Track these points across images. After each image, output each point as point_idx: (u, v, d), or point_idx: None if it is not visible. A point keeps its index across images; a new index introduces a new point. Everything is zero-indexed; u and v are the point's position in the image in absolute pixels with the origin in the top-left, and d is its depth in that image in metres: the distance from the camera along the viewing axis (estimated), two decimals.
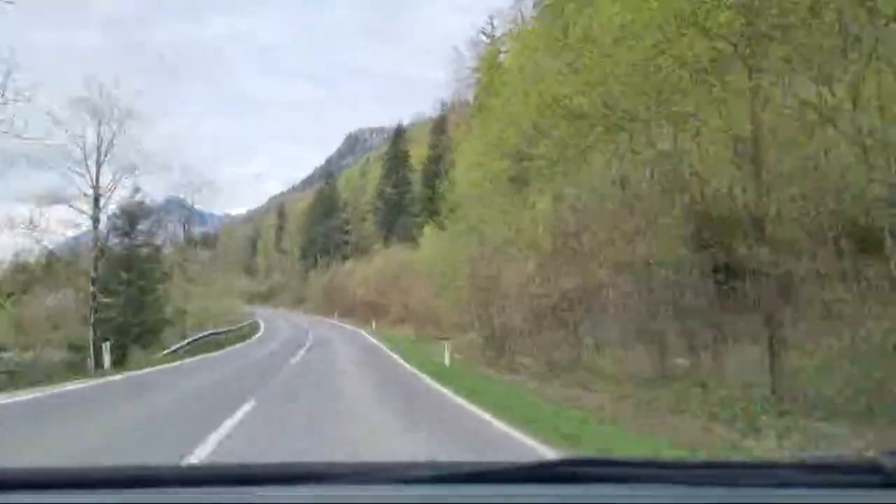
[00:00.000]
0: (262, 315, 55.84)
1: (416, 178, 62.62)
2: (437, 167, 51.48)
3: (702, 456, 6.16)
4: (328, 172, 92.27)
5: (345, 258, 70.85)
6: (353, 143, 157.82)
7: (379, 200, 63.64)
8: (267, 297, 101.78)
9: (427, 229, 43.90)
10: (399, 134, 62.75)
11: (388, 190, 62.45)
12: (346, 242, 74.15)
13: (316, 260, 78.26)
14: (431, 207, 49.98)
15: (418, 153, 59.54)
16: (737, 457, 6.64)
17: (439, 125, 53.46)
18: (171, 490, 1.18)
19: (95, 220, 25.90)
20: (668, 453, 6.55)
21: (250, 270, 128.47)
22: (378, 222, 64.14)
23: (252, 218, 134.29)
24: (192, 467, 1.95)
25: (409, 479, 1.21)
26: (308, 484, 1.19)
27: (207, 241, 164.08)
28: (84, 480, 1.19)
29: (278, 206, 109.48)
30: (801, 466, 1.37)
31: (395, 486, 1.20)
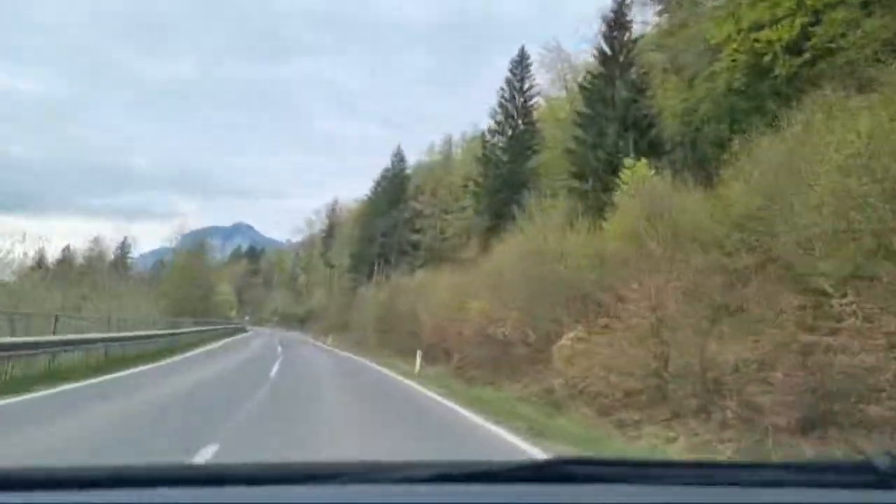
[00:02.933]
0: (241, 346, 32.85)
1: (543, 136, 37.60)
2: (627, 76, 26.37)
3: (696, 457, 6.65)
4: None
5: (414, 268, 46.06)
6: None
7: (481, 166, 38.56)
8: (303, 321, 78.00)
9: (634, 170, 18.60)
10: (523, 63, 37.86)
11: (498, 152, 37.41)
12: (417, 246, 49.27)
13: (372, 270, 53.73)
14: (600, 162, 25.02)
15: None
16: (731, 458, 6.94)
17: (616, 23, 28.04)
18: (171, 490, 1.15)
19: None
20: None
21: (294, 290, 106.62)
22: (476, 208, 39.03)
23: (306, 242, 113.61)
24: (193, 467, 1.59)
25: (409, 478, 1.21)
26: (309, 484, 1.18)
27: (253, 258, 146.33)
28: (84, 480, 1.16)
29: (329, 209, 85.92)
30: (795, 467, 1.40)
31: (395, 485, 1.20)
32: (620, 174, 18.35)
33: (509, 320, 16.72)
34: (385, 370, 21.93)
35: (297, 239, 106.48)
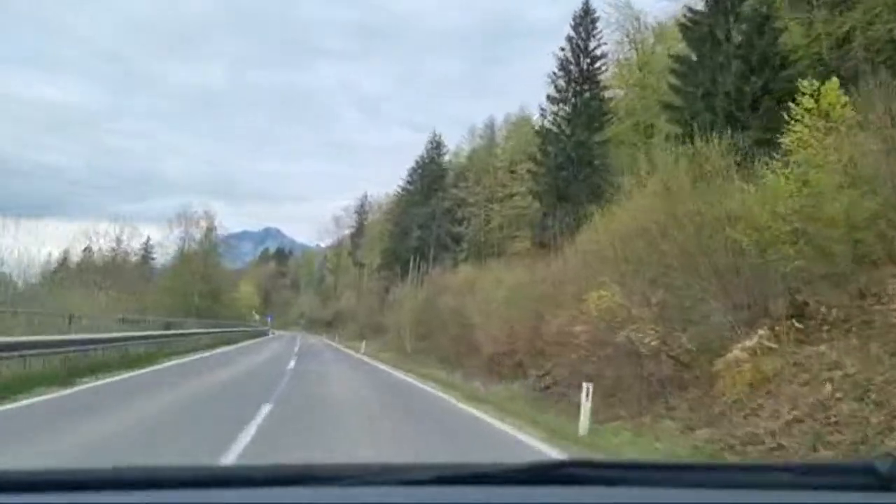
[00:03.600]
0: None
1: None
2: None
3: (698, 459, 5.95)
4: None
5: (456, 262, 40.35)
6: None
7: (539, 139, 32.59)
8: (331, 324, 72.79)
9: None
10: (588, 19, 31.84)
11: (560, 123, 31.44)
12: (459, 238, 43.55)
13: (407, 268, 48.16)
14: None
15: None
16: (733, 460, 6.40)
17: None
18: (172, 492, 1.14)
19: None
20: None
21: (321, 292, 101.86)
22: (534, 190, 33.14)
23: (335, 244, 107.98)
24: (194, 469, 1.32)
25: (410, 480, 1.21)
26: (311, 485, 1.18)
27: (281, 260, 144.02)
28: (82, 482, 1.15)
29: (358, 204, 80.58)
30: (797, 469, 1.38)
31: (397, 487, 1.20)
32: (797, 105, 12.28)
33: (646, 321, 10.79)
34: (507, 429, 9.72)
35: (325, 243, 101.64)
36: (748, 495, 1.23)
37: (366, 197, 78.52)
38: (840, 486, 1.24)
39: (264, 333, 53.22)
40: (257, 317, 69.63)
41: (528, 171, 33.85)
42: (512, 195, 42.04)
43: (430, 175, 48.90)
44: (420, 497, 1.15)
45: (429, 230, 45.14)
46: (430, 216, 45.05)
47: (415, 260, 48.41)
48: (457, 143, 54.40)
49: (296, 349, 33.00)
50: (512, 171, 43.87)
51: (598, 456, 6.66)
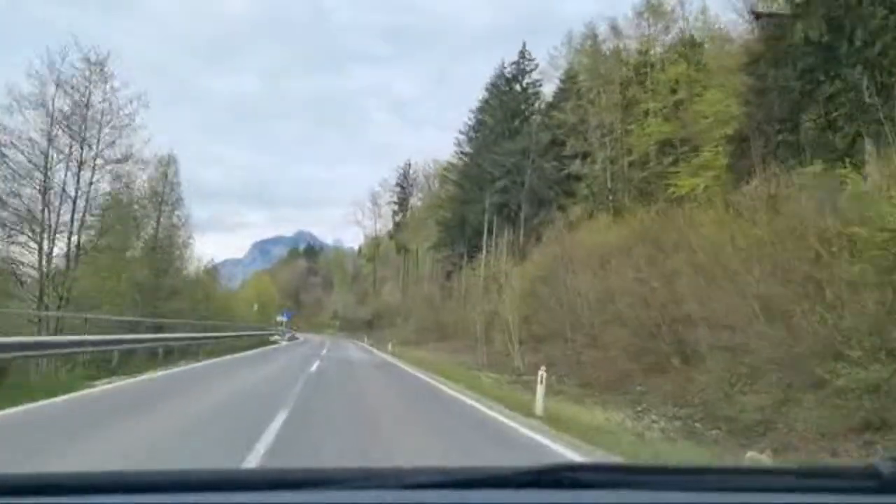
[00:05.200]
0: None
1: None
2: None
3: (700, 462, 5.65)
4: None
5: (580, 218, 24.62)
6: None
7: None
8: (371, 325, 57.71)
9: None
10: None
11: None
12: (570, 188, 27.70)
13: (477, 240, 32.53)
14: None
15: None
16: (735, 463, 6.23)
17: None
18: (175, 496, 1.13)
19: None
20: None
21: (356, 289, 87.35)
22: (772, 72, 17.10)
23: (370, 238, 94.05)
24: (197, 473, 1.27)
25: (414, 484, 1.20)
26: (315, 489, 1.17)
27: (311, 257, 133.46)
28: (89, 486, 1.14)
29: (401, 175, 65.11)
30: (799, 472, 1.38)
31: (401, 491, 1.19)
32: None
33: None
34: None
35: (357, 241, 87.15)
36: (750, 498, 1.22)
37: (409, 166, 63.06)
38: (842, 488, 1.23)
39: (270, 341, 37.20)
40: (279, 318, 54.92)
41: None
42: (655, 115, 26.16)
43: (513, 100, 33.08)
44: (424, 499, 1.14)
45: (519, 177, 29.34)
46: (522, 154, 29.25)
47: (490, 229, 32.82)
48: (548, 56, 38.07)
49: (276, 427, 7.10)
50: (641, 84, 28.22)
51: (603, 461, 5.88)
